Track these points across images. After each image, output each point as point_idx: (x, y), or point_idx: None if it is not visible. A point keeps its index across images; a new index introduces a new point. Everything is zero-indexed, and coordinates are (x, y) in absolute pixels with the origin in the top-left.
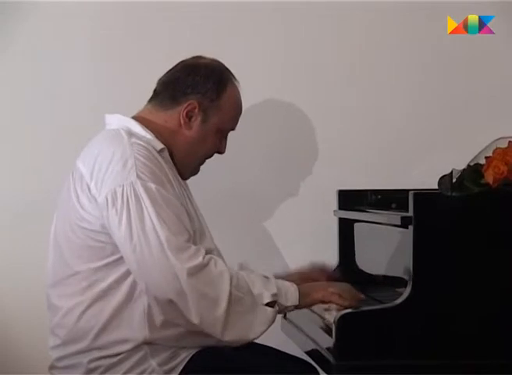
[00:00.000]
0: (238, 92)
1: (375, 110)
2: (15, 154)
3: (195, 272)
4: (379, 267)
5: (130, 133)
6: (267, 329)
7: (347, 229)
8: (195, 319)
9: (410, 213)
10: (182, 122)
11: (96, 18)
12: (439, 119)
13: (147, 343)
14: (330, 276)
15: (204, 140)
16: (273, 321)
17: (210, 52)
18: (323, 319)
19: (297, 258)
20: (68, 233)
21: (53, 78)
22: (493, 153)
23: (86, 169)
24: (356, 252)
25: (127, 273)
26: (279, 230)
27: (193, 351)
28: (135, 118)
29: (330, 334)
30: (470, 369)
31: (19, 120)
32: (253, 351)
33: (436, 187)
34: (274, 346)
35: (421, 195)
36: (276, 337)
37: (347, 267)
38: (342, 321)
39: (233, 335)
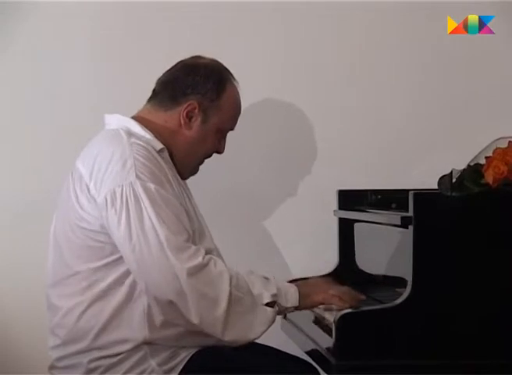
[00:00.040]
0: (237, 92)
1: (375, 110)
2: (15, 154)
3: (195, 272)
4: (379, 267)
5: (130, 133)
6: (267, 329)
7: (347, 229)
8: (195, 319)
9: (410, 213)
10: (182, 122)
11: (96, 18)
12: (439, 119)
13: (146, 343)
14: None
15: (204, 140)
16: (273, 321)
17: (210, 52)
18: (323, 318)
19: (297, 258)
20: (67, 233)
21: (53, 78)
22: (493, 153)
23: (85, 170)
24: (356, 252)
25: (127, 273)
26: (278, 230)
27: (192, 351)
28: (134, 118)
29: (330, 334)
30: (470, 369)
31: (19, 120)
32: (253, 351)
33: (436, 187)
34: (274, 346)
35: (421, 195)
36: (276, 337)
37: (347, 267)
38: (342, 321)
39: (233, 335)
